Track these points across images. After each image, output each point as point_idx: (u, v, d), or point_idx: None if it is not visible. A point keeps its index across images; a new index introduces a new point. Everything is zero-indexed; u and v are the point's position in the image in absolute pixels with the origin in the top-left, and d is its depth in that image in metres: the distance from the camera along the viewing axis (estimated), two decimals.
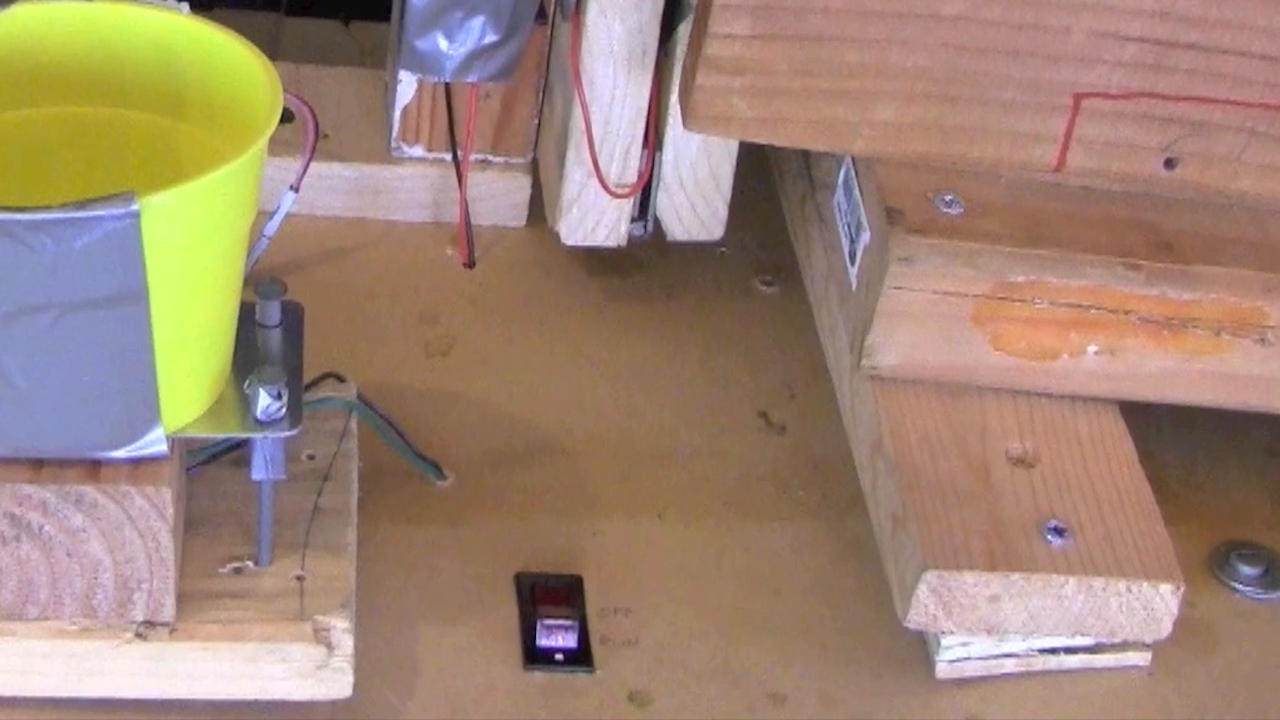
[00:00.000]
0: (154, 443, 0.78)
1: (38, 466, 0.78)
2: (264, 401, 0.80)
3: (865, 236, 0.94)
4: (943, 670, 0.90)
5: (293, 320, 0.85)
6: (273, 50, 1.08)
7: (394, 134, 1.10)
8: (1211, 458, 1.03)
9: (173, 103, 0.83)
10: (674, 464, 1.00)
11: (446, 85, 1.09)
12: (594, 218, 1.04)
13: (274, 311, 0.84)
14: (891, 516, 0.90)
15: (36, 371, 0.76)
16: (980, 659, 0.90)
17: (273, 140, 0.78)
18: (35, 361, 0.76)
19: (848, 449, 0.97)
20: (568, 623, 0.89)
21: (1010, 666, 0.90)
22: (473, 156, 1.10)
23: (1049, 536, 0.88)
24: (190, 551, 0.84)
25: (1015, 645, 0.90)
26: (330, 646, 0.82)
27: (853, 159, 0.96)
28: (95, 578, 0.80)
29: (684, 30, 0.98)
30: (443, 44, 1.01)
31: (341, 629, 0.82)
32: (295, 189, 0.88)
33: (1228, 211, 0.95)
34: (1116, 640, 0.90)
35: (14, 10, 0.82)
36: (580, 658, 0.88)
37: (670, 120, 1.01)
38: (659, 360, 1.06)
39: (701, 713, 0.87)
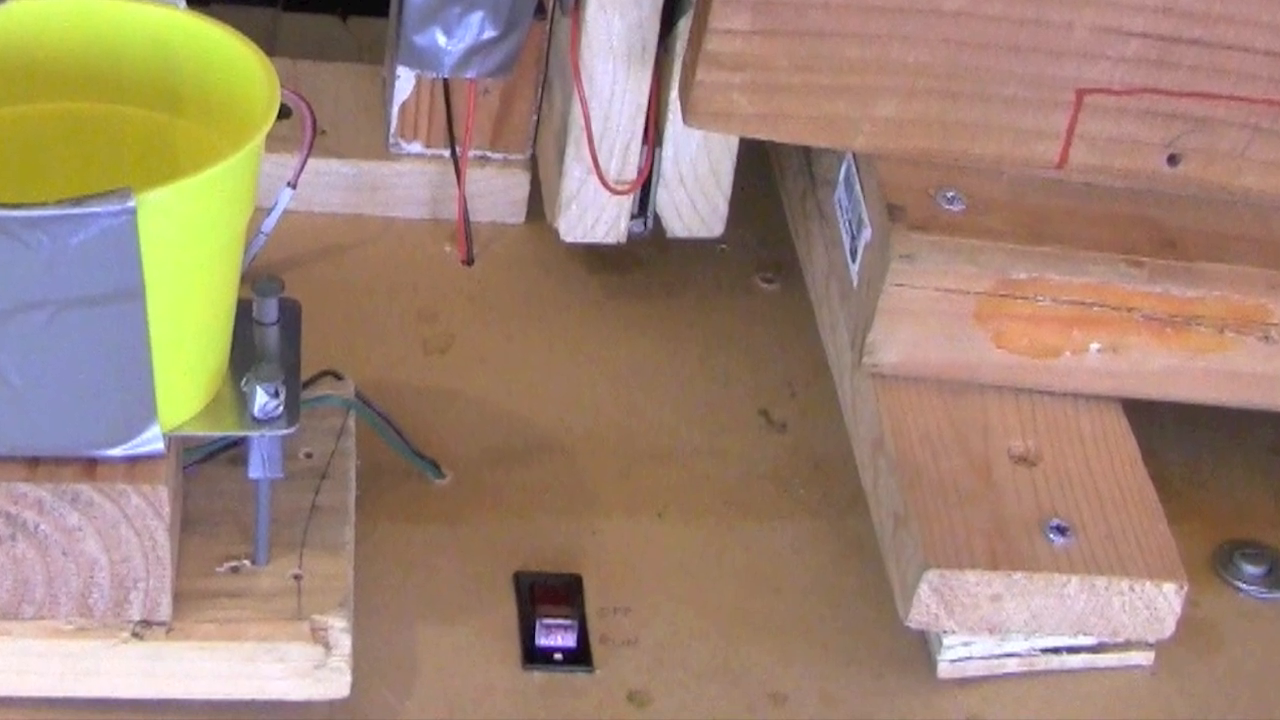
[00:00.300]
0: (150, 441, 0.78)
1: (33, 465, 0.78)
2: (261, 399, 0.80)
3: (866, 233, 0.93)
4: (944, 670, 0.90)
5: (290, 317, 0.84)
6: (270, 46, 1.08)
7: (392, 130, 1.10)
8: (1215, 456, 1.03)
9: (169, 99, 0.83)
10: (674, 462, 0.99)
11: (445, 81, 1.08)
12: (593, 214, 1.04)
13: (271, 309, 0.84)
14: (893, 515, 0.89)
15: (32, 369, 0.76)
16: (982, 659, 0.90)
17: (270, 136, 0.77)
18: (31, 359, 0.75)
19: (849, 447, 0.97)
20: (567, 622, 0.88)
21: (1012, 666, 0.90)
22: (471, 153, 1.09)
23: (1051, 535, 0.88)
24: (187, 550, 0.84)
25: (1017, 645, 0.90)
26: (328, 646, 0.82)
27: (854, 155, 0.96)
28: (91, 577, 0.80)
29: (684, 26, 0.98)
30: (441, 39, 1.01)
31: (339, 628, 0.82)
32: (293, 185, 0.88)
33: (1231, 208, 0.95)
34: (1119, 640, 0.90)
35: (10, 6, 0.81)
36: (579, 657, 0.88)
37: (670, 116, 1.01)
38: (659, 358, 1.05)
39: (701, 713, 0.87)
